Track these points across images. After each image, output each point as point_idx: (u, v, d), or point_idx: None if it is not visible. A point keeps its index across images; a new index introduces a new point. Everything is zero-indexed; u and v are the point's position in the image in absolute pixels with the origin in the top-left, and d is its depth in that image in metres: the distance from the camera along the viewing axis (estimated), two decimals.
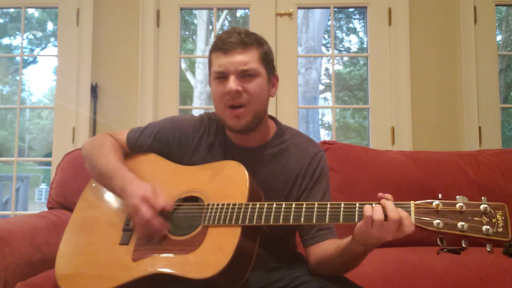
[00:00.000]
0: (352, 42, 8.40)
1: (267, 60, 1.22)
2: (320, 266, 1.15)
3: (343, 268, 1.11)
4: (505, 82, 7.48)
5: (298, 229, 1.24)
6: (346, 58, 8.69)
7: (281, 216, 1.05)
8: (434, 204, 0.94)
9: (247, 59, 1.17)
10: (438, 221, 0.93)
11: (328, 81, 7.53)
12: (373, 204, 0.97)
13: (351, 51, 8.20)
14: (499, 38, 6.75)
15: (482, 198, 0.93)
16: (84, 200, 1.35)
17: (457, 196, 0.95)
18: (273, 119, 1.33)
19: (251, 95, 1.17)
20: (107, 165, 1.25)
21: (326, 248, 1.14)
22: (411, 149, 2.73)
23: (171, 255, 1.09)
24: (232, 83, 1.15)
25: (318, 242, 1.18)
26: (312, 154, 1.26)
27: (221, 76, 1.18)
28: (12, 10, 4.23)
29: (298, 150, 1.27)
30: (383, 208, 0.95)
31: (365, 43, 3.25)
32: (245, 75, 1.17)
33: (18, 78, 3.41)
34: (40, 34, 8.06)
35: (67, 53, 2.92)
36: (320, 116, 7.49)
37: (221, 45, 1.18)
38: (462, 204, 0.93)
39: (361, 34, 7.77)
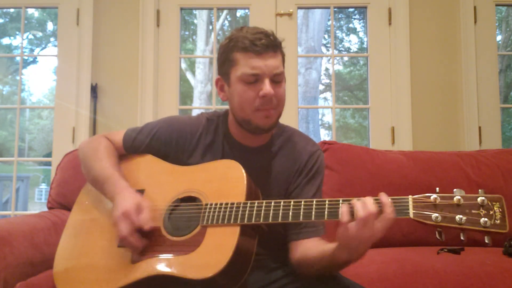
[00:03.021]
0: (352, 42, 8.40)
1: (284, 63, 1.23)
2: (299, 266, 1.14)
3: (322, 272, 1.09)
4: (505, 82, 7.49)
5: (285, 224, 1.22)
6: (346, 58, 8.69)
7: (280, 214, 1.05)
8: (432, 198, 0.95)
9: (277, 63, 1.17)
10: (437, 214, 0.93)
11: (328, 81, 7.53)
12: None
13: (351, 51, 8.20)
14: (499, 38, 6.75)
15: (479, 190, 0.94)
16: (80, 202, 1.34)
17: (454, 190, 0.95)
18: None
19: (280, 100, 1.19)
20: (101, 171, 1.24)
21: (308, 249, 1.13)
22: (411, 149, 2.73)
23: (170, 256, 1.09)
24: (269, 87, 1.14)
25: (301, 238, 1.17)
26: (310, 152, 1.27)
27: (254, 80, 1.16)
28: (12, 10, 4.23)
29: (297, 148, 1.28)
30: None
31: (365, 43, 3.25)
32: (275, 80, 1.17)
33: (18, 78, 3.41)
34: (40, 34, 8.06)
35: (67, 53, 2.92)
36: (320, 116, 7.50)
37: (251, 46, 1.14)
38: (459, 197, 0.93)
39: (361, 34, 7.77)
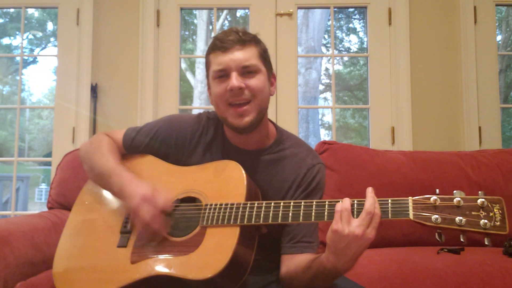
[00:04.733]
0: (352, 42, 8.39)
1: (266, 58, 1.22)
2: (290, 280, 1.13)
3: (310, 284, 1.07)
4: (505, 82, 7.49)
5: (280, 233, 1.20)
6: (346, 58, 8.68)
7: (280, 215, 1.05)
8: (432, 199, 0.94)
9: (247, 55, 1.17)
10: (436, 216, 0.93)
11: (328, 81, 7.52)
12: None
13: (351, 51, 8.19)
14: (499, 38, 6.75)
15: (479, 192, 0.94)
16: (80, 202, 1.34)
17: (454, 191, 0.95)
18: (274, 124, 1.32)
19: (254, 91, 1.16)
20: (105, 165, 1.24)
21: (299, 263, 1.11)
22: (411, 149, 2.73)
23: (170, 256, 1.09)
24: (235, 80, 1.14)
25: (294, 253, 1.16)
26: (309, 165, 1.24)
27: (222, 75, 1.17)
28: (12, 10, 4.23)
29: (296, 159, 1.25)
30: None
31: (365, 43, 3.25)
32: (246, 71, 1.16)
33: (18, 78, 3.41)
34: (40, 34, 8.06)
35: (67, 53, 2.92)
36: (320, 116, 7.49)
37: (219, 44, 1.17)
38: (459, 198, 0.93)
39: (361, 34, 7.76)
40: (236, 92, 1.15)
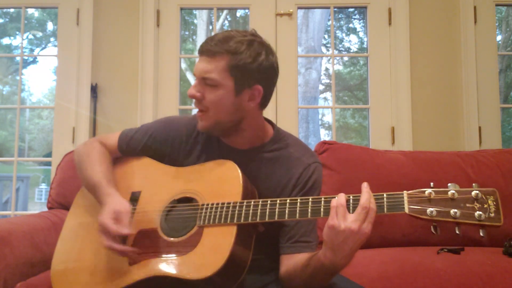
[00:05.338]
0: (352, 42, 8.39)
1: (240, 71, 1.14)
2: (289, 280, 1.13)
3: (309, 282, 1.06)
4: (505, 82, 7.49)
5: (278, 233, 1.20)
6: (346, 58, 8.68)
7: (276, 213, 1.05)
8: (426, 192, 0.95)
9: (210, 67, 1.15)
10: (431, 209, 0.93)
11: (328, 81, 7.52)
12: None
13: (351, 51, 8.19)
14: (499, 38, 6.75)
15: (473, 184, 0.94)
16: (77, 205, 1.34)
17: (449, 184, 0.95)
18: (271, 123, 1.31)
19: (207, 103, 1.17)
20: (91, 177, 1.25)
21: (297, 262, 1.11)
22: (411, 149, 2.73)
23: (167, 256, 1.09)
24: (192, 88, 1.18)
25: (293, 253, 1.15)
26: (305, 164, 1.22)
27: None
28: (12, 10, 4.23)
29: (292, 158, 1.24)
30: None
31: (365, 43, 3.25)
32: (206, 83, 1.17)
33: (18, 78, 3.41)
34: (40, 34, 8.06)
35: (67, 53, 2.92)
36: (320, 116, 7.49)
37: (200, 49, 1.19)
38: (454, 191, 0.93)
39: (361, 34, 7.77)
40: (195, 100, 1.19)
